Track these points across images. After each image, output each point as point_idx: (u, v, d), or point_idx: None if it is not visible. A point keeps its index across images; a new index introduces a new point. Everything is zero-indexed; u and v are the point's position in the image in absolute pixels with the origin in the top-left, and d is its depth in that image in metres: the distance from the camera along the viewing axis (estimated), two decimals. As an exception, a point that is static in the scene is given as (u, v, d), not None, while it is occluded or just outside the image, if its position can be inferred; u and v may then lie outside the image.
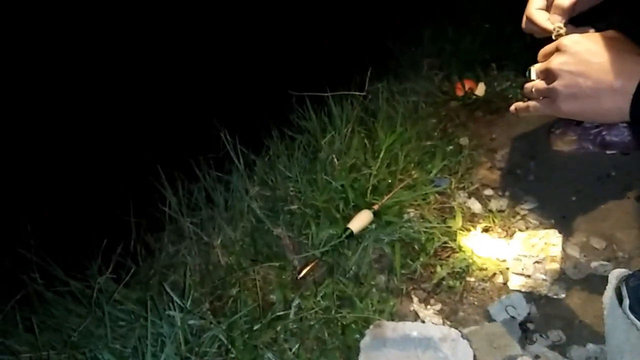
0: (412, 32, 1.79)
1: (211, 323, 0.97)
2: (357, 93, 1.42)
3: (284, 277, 1.08)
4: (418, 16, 1.80)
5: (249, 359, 0.92)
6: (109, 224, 1.25)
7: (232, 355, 0.92)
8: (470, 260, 1.07)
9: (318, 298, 1.03)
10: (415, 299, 1.04)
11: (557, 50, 0.73)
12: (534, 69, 0.78)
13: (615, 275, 0.90)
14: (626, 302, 0.81)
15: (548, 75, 0.74)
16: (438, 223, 1.15)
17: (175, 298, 0.95)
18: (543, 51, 0.78)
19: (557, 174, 1.24)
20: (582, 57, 0.70)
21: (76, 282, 1.11)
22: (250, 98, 1.56)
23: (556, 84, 0.72)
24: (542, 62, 0.77)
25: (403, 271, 1.08)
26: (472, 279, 1.06)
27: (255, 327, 0.96)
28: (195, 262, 1.13)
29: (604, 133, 1.23)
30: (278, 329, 0.97)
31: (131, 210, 1.20)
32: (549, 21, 0.81)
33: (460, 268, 1.06)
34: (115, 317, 1.02)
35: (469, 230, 1.14)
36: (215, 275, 1.10)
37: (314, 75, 1.45)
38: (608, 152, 1.23)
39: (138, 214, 1.20)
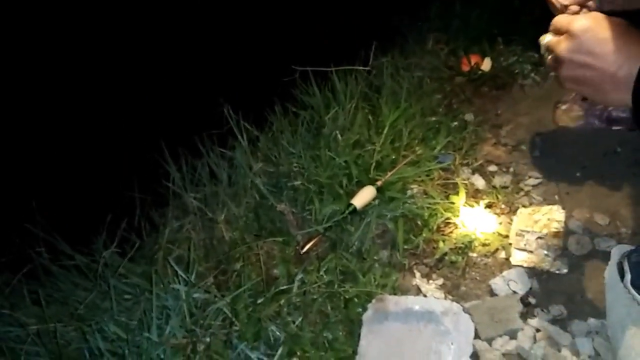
0: (419, 7, 1.76)
1: (215, 296, 0.98)
2: (361, 68, 1.41)
3: (287, 252, 1.09)
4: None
5: (253, 331, 0.93)
6: (114, 199, 1.26)
7: (236, 328, 0.93)
8: (473, 236, 1.07)
9: (321, 273, 1.03)
10: (418, 274, 1.05)
11: (567, 32, 0.72)
12: (543, 44, 0.78)
13: (617, 250, 0.90)
14: (628, 277, 0.81)
15: (555, 57, 0.74)
16: (441, 199, 1.15)
17: (179, 272, 0.96)
18: (555, 23, 0.76)
19: (563, 150, 1.24)
20: (588, 46, 0.69)
21: (82, 257, 1.12)
22: (254, 73, 1.54)
23: (561, 71, 0.73)
24: (552, 33, 0.76)
25: (405, 246, 1.09)
26: (475, 255, 1.06)
27: (259, 301, 0.97)
28: (199, 237, 1.14)
29: (610, 109, 1.21)
30: (281, 302, 0.98)
31: (135, 186, 1.21)
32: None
33: (462, 243, 1.07)
34: (121, 290, 1.03)
35: (472, 206, 1.14)
36: (219, 250, 1.11)
37: (318, 50, 1.43)
38: (614, 128, 1.22)
39: (142, 189, 1.21)
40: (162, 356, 0.89)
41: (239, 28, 1.72)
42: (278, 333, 0.93)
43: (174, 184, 1.23)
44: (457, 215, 1.12)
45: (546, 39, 0.77)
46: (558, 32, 0.75)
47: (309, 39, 1.59)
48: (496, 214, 1.13)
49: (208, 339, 0.92)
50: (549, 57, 0.76)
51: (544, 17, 1.71)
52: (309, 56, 1.38)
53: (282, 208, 1.15)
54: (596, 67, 0.68)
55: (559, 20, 0.75)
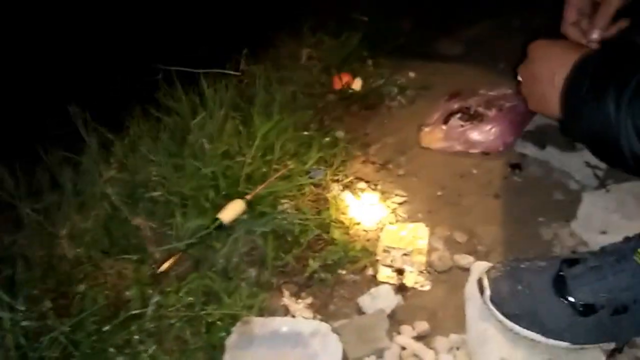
0: (292, 20, 1.74)
1: (52, 324, 0.83)
2: (232, 72, 1.34)
3: (142, 271, 0.97)
4: (299, 4, 1.75)
5: (96, 364, 0.80)
6: None
7: (76, 362, 0.80)
8: (342, 253, 1.06)
9: (181, 294, 0.94)
10: (286, 293, 1.00)
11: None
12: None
13: (477, 267, 0.95)
14: (487, 293, 0.84)
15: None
16: (312, 215, 1.12)
17: (3, 295, 0.79)
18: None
19: (425, 170, 1.29)
20: (536, 63, 0.75)
21: None
22: (109, 69, 1.36)
23: (522, 88, 0.80)
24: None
25: (275, 264, 1.04)
26: (344, 272, 1.04)
27: (105, 328, 0.85)
28: (36, 255, 0.97)
29: (467, 132, 1.29)
30: (132, 329, 0.86)
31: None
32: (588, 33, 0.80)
33: (332, 260, 1.04)
34: None
35: (342, 222, 1.13)
36: (60, 269, 0.95)
37: (184, 51, 1.32)
38: (471, 151, 1.30)
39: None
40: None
41: (92, 18, 1.52)
42: (127, 365, 0.81)
43: (4, 192, 1.03)
44: (328, 232, 1.10)
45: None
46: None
47: (174, 37, 1.46)
48: (365, 230, 1.13)
49: (38, 377, 0.77)
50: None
51: (408, 44, 1.79)
52: (173, 56, 1.27)
53: (137, 222, 1.03)
54: (542, 79, 0.72)
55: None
